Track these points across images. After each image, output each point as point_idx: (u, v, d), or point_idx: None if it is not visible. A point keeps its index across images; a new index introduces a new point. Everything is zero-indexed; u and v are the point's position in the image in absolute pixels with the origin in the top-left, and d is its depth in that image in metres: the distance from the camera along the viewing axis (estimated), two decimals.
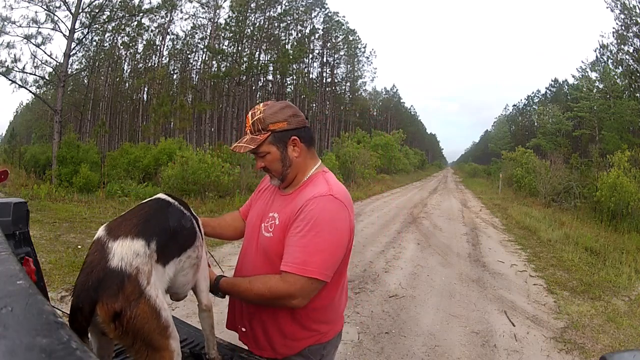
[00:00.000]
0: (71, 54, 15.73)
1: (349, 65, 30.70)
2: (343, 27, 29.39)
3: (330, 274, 1.08)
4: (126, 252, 0.83)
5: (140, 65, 23.74)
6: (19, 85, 15.51)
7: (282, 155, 1.15)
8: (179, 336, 0.89)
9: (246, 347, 1.26)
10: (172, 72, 23.51)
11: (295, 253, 1.05)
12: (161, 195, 1.08)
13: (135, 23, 21.08)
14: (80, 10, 15.32)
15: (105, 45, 21.60)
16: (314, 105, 29.63)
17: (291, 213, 1.11)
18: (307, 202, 1.09)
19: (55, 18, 15.33)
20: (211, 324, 1.13)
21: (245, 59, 23.21)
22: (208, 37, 23.25)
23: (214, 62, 23.31)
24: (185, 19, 28.20)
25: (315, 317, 1.17)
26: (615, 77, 21.21)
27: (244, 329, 1.26)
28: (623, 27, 19.65)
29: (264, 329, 1.18)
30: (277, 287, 1.06)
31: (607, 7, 19.76)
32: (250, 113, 1.17)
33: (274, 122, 1.13)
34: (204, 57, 23.83)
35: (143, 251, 0.86)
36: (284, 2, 25.23)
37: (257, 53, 24.42)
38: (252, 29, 23.83)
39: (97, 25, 18.09)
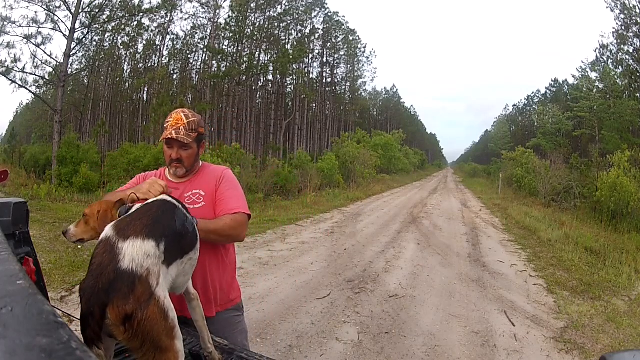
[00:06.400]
0: (71, 54, 15.73)
1: (349, 65, 30.69)
2: (343, 27, 29.38)
3: (249, 211, 1.52)
4: (137, 252, 0.82)
5: (140, 65, 23.74)
6: (19, 85, 15.53)
7: (197, 152, 1.49)
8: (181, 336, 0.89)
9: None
10: (172, 72, 23.51)
11: (235, 202, 1.46)
12: (166, 197, 1.08)
13: (135, 23, 21.09)
14: (80, 10, 15.32)
15: (105, 45, 21.60)
16: (314, 105, 29.62)
17: (213, 184, 1.49)
18: (222, 173, 1.53)
19: (55, 18, 15.35)
20: (202, 313, 1.14)
21: (245, 59, 23.20)
22: (208, 37, 23.24)
23: (214, 62, 23.31)
24: (185, 19, 28.25)
25: (233, 270, 1.59)
26: (615, 77, 21.18)
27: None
28: (623, 27, 19.66)
29: (220, 283, 1.50)
30: (237, 219, 1.41)
31: (607, 7, 19.79)
32: (182, 114, 1.44)
33: (202, 126, 1.48)
34: (204, 57, 23.84)
35: (154, 252, 0.85)
36: (284, 2, 25.24)
37: (257, 53, 24.42)
38: (252, 29, 23.82)
39: (97, 25, 18.09)
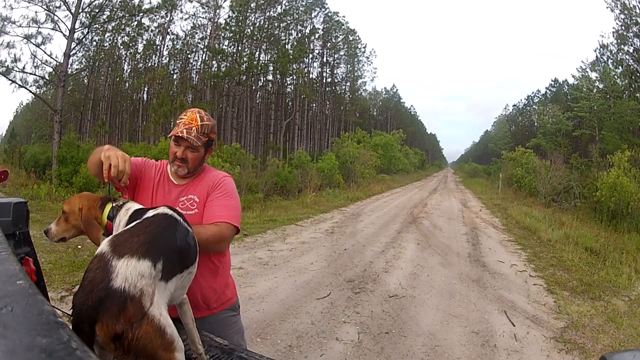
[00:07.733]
0: (71, 54, 15.71)
1: (349, 65, 30.72)
2: (343, 27, 29.41)
3: (239, 224, 1.44)
4: (131, 272, 0.81)
5: (140, 65, 23.77)
6: (19, 85, 15.49)
7: (203, 156, 1.46)
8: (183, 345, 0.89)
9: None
10: (172, 72, 23.53)
11: (223, 211, 1.40)
12: (167, 211, 1.05)
13: (135, 23, 21.09)
14: (80, 10, 15.30)
15: (105, 45, 21.62)
16: (314, 105, 29.64)
17: (207, 190, 1.44)
18: (221, 179, 1.47)
19: (55, 18, 15.32)
20: (192, 316, 1.13)
21: (245, 59, 23.21)
22: (208, 37, 23.25)
23: (214, 62, 23.32)
24: (185, 19, 28.26)
25: (227, 272, 1.56)
26: (615, 77, 21.20)
27: None
28: (623, 27, 19.66)
29: (201, 291, 1.43)
30: (222, 231, 1.35)
31: (607, 7, 19.78)
32: (198, 115, 1.41)
33: (214, 132, 1.46)
34: (204, 57, 23.86)
35: (149, 272, 0.83)
36: (284, 2, 25.25)
37: (257, 53, 24.43)
38: (252, 29, 23.83)
39: (97, 25, 18.08)
